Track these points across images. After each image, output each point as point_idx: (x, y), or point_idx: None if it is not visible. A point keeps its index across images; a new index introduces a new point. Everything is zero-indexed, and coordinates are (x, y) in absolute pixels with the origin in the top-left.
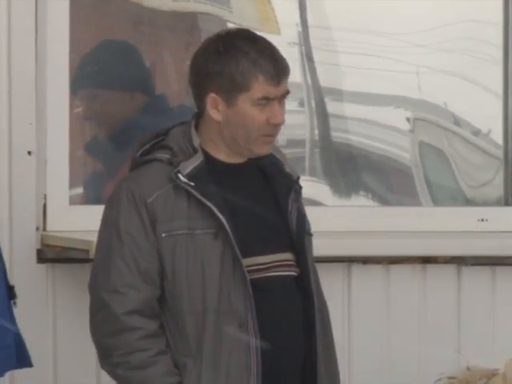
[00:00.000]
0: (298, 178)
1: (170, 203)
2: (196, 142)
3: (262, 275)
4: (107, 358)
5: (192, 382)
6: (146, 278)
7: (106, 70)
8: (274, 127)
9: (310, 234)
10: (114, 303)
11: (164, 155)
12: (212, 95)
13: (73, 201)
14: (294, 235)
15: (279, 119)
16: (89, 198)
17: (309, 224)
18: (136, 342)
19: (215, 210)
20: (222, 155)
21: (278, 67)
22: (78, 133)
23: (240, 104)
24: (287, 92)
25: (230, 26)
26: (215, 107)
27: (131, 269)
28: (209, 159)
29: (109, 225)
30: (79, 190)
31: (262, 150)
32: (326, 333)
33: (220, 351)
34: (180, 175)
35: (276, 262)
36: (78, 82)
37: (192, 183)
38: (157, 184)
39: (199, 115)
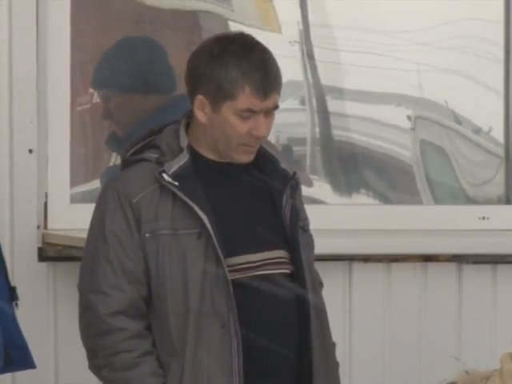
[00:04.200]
0: (295, 173)
1: (154, 203)
2: (183, 141)
3: (251, 274)
4: (93, 359)
5: (174, 383)
6: (131, 279)
7: (125, 70)
8: (256, 139)
9: (305, 230)
10: (99, 304)
11: (152, 155)
12: (200, 97)
13: (79, 198)
14: (287, 232)
15: (261, 132)
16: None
17: (306, 220)
18: (120, 343)
19: (197, 209)
20: (212, 154)
21: (267, 81)
22: (79, 131)
23: (224, 111)
24: (275, 107)
25: (231, 24)
26: (202, 109)
27: (116, 269)
28: (197, 158)
29: (95, 225)
30: (87, 187)
31: (241, 159)
32: (323, 331)
33: (202, 352)
34: (165, 175)
35: (267, 260)
36: (96, 82)
37: (176, 183)
38: (143, 184)
39: (192, 113)
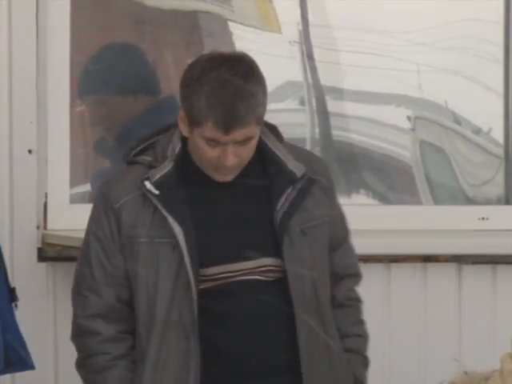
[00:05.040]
0: (304, 174)
1: (135, 210)
2: (174, 148)
3: (226, 281)
4: (76, 357)
5: None
6: (110, 283)
7: (110, 74)
8: (224, 166)
9: (304, 233)
10: (77, 306)
11: (147, 158)
12: (181, 111)
13: (78, 199)
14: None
15: (229, 162)
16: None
17: (311, 222)
18: (95, 346)
19: (171, 220)
20: None
21: (229, 118)
22: (78, 131)
23: (195, 134)
24: (246, 138)
25: (231, 24)
26: (183, 123)
27: (94, 273)
28: (189, 166)
29: (86, 228)
30: (87, 188)
31: (217, 178)
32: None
33: (161, 362)
34: (147, 182)
35: (250, 269)
36: (83, 87)
37: (156, 192)
38: (129, 189)
39: None
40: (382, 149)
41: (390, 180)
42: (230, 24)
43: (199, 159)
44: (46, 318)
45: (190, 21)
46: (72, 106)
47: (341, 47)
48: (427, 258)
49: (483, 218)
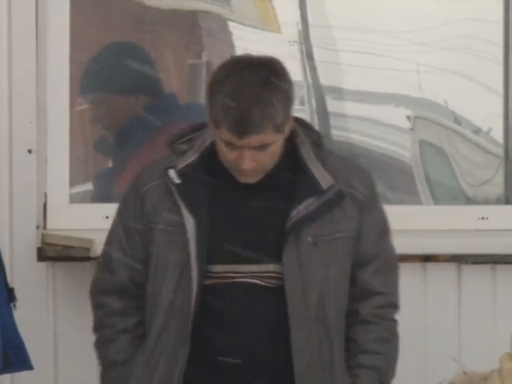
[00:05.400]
0: (331, 186)
1: (158, 196)
2: (203, 141)
3: (227, 281)
4: None
5: (137, 361)
6: (126, 263)
7: (112, 73)
8: (242, 169)
9: (315, 245)
10: (93, 280)
11: (184, 147)
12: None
13: (78, 198)
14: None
15: (245, 165)
16: (98, 195)
17: (327, 235)
18: (102, 319)
19: (185, 212)
20: None
21: (241, 123)
22: (78, 131)
23: (217, 135)
24: (263, 144)
25: (230, 24)
26: (210, 125)
27: (113, 252)
28: (218, 161)
29: (117, 207)
30: (87, 187)
31: (240, 179)
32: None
33: (159, 348)
34: (171, 171)
35: (253, 273)
36: (85, 86)
37: (178, 181)
38: (157, 175)
39: None
40: (382, 149)
41: (390, 180)
42: (230, 24)
43: (222, 159)
44: (45, 318)
45: (190, 21)
46: (72, 105)
47: (340, 47)
48: (427, 258)
49: (483, 218)
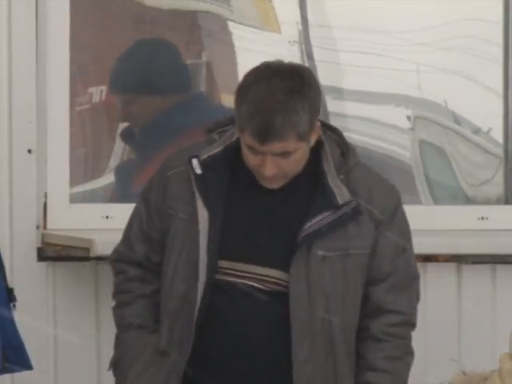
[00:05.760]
0: (348, 202)
1: (180, 183)
2: (230, 135)
3: (227, 279)
4: None
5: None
6: (144, 241)
7: (140, 72)
8: (264, 175)
9: (324, 259)
10: (113, 250)
11: (216, 137)
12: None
13: (78, 198)
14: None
15: (267, 172)
16: (119, 188)
17: (336, 251)
18: (121, 284)
19: (200, 203)
20: None
21: (263, 129)
22: (78, 131)
23: (242, 139)
24: (284, 152)
25: (230, 24)
26: None
27: (133, 228)
28: (242, 160)
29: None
30: (87, 187)
31: (263, 184)
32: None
33: (168, 338)
34: (194, 160)
35: (256, 275)
36: (113, 86)
37: (199, 171)
38: (183, 161)
39: None
40: (382, 149)
41: (390, 180)
42: (230, 24)
43: (246, 162)
44: (45, 318)
45: (190, 21)
46: (72, 105)
47: (340, 47)
48: (427, 258)
49: (483, 218)
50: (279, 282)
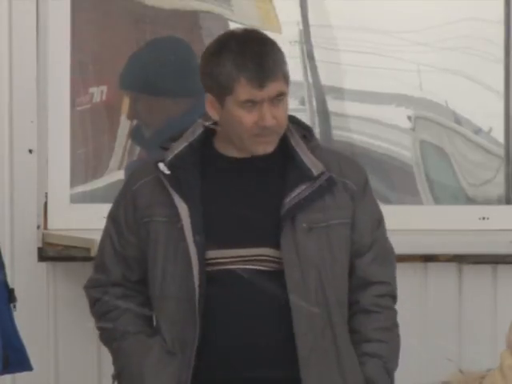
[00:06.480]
0: (321, 173)
1: (150, 191)
2: (192, 132)
3: (222, 267)
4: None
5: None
6: (119, 262)
7: (154, 72)
8: (264, 129)
9: (310, 230)
10: (87, 279)
11: (172, 144)
12: (208, 95)
13: (79, 199)
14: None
15: (267, 122)
16: None
17: (319, 222)
18: (101, 307)
19: (177, 199)
20: (230, 150)
21: (261, 70)
22: (79, 131)
23: (228, 106)
24: (279, 94)
25: (231, 24)
26: (212, 107)
27: (105, 252)
28: (211, 151)
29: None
30: (87, 187)
31: (257, 150)
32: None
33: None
34: (161, 164)
35: (248, 257)
36: (125, 82)
37: (168, 172)
38: (148, 171)
39: None
40: (383, 149)
41: (391, 180)
42: (231, 24)
43: (238, 135)
44: (46, 318)
45: (191, 20)
46: (73, 105)
47: (341, 47)
48: (428, 258)
49: (484, 218)
50: (274, 259)
